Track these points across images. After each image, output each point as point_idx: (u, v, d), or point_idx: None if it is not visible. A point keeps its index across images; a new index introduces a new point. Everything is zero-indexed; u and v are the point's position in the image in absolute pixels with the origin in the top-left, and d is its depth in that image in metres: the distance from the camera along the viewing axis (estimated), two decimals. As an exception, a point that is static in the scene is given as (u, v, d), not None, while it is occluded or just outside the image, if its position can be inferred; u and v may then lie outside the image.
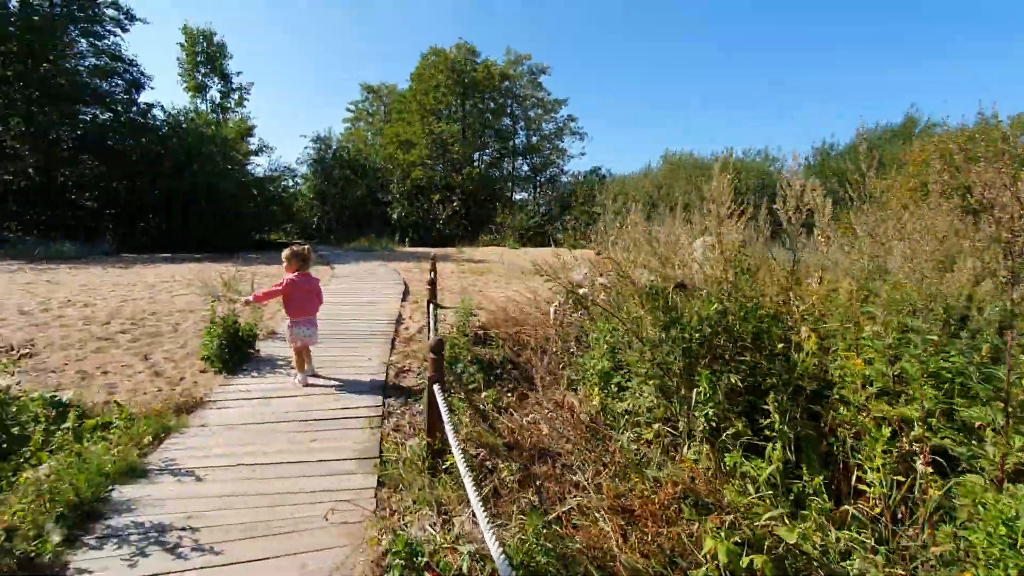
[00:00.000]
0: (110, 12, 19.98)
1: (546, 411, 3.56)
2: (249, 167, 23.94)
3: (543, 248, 24.12)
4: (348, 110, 42.92)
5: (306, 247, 4.98)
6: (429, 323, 5.39)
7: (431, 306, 5.46)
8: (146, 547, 2.40)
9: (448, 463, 3.10)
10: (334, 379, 4.89)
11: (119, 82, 20.78)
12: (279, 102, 75.47)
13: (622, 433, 3.35)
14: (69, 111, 18.57)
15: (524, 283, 11.14)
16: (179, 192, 19.10)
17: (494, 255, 18.90)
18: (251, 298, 4.75)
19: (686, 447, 3.02)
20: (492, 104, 31.92)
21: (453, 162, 28.63)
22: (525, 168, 34.96)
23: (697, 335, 3.11)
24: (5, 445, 2.62)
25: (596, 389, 3.64)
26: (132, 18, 20.42)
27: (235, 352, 5.04)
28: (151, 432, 3.54)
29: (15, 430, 2.50)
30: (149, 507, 2.69)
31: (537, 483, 3.03)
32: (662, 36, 75.55)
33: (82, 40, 19.43)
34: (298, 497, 2.86)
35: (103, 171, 19.45)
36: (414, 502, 2.84)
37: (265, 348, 5.57)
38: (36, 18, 17.09)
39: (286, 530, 2.57)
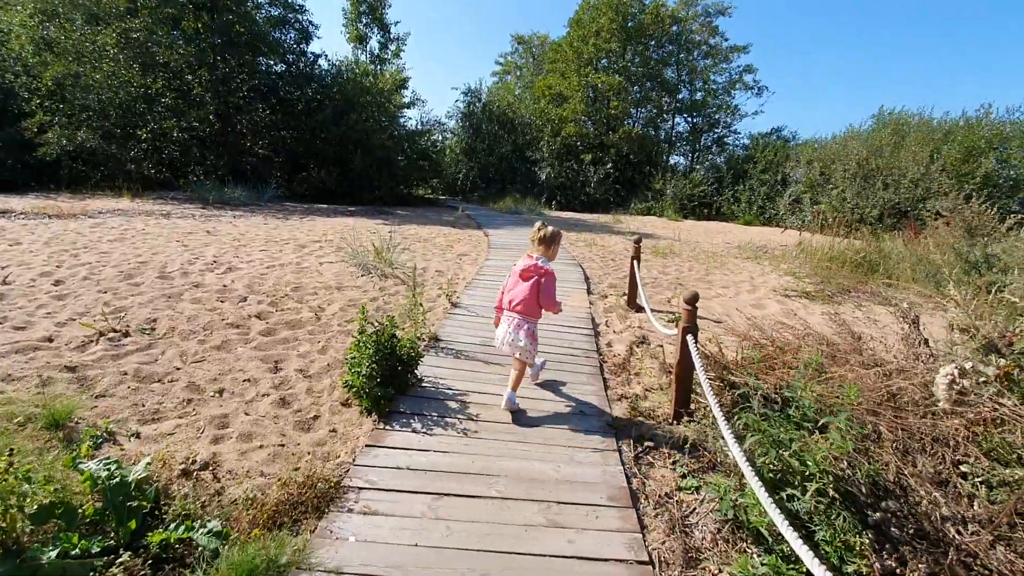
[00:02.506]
0: (284, -41, 19.99)
1: None
2: (401, 120, 23.46)
3: (710, 222, 20.59)
4: (497, 63, 41.47)
5: (538, 226, 3.46)
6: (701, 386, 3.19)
7: (687, 336, 3.26)
8: None
9: None
10: (532, 443, 2.97)
11: (291, 32, 21.07)
12: (430, 54, 76.85)
13: None
14: (247, 61, 19.12)
15: (726, 272, 8.46)
16: (335, 143, 18.97)
17: (661, 228, 16.09)
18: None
19: None
20: (656, 53, 27.92)
21: (609, 119, 25.64)
22: (682, 126, 30.62)
23: None
24: None
25: None
26: (303, -36, 20.26)
27: (390, 381, 3.33)
28: (248, 588, 1.88)
29: None
30: None
31: None
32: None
33: (259, -12, 19.72)
34: None
35: (273, 120, 20.02)
36: None
37: (430, 368, 3.83)
38: (219, -36, 17.36)
39: None
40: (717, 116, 29.37)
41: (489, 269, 7.40)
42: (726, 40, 27.43)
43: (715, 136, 29.38)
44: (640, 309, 6.01)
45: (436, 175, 25.01)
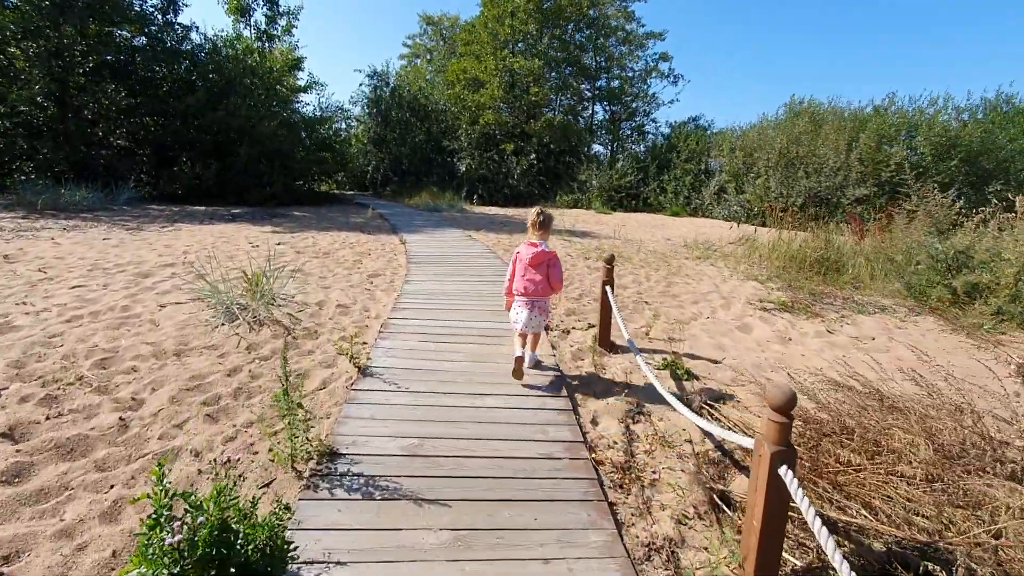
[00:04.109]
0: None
1: None
2: (297, 105, 20.58)
3: (639, 214, 19.94)
4: (405, 44, 38.79)
5: (536, 211, 3.76)
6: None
7: (782, 468, 1.83)
8: None
9: None
10: None
11: (153, -1, 17.46)
12: (329, 34, 71.31)
13: None
14: (93, 30, 15.44)
15: (688, 280, 7.33)
16: (213, 131, 15.98)
17: (594, 223, 14.98)
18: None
19: None
20: (572, 39, 26.91)
21: (529, 106, 24.25)
22: (600, 115, 30.05)
23: None
24: None
25: None
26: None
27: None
28: None
29: None
30: None
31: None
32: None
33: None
34: None
35: (131, 103, 16.47)
36: None
37: (314, 537, 2.09)
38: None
39: None
40: (635, 104, 29.05)
41: (411, 299, 5.61)
42: (642, 26, 27.04)
43: (634, 125, 29.05)
44: (615, 348, 4.59)
45: (341, 168, 22.40)
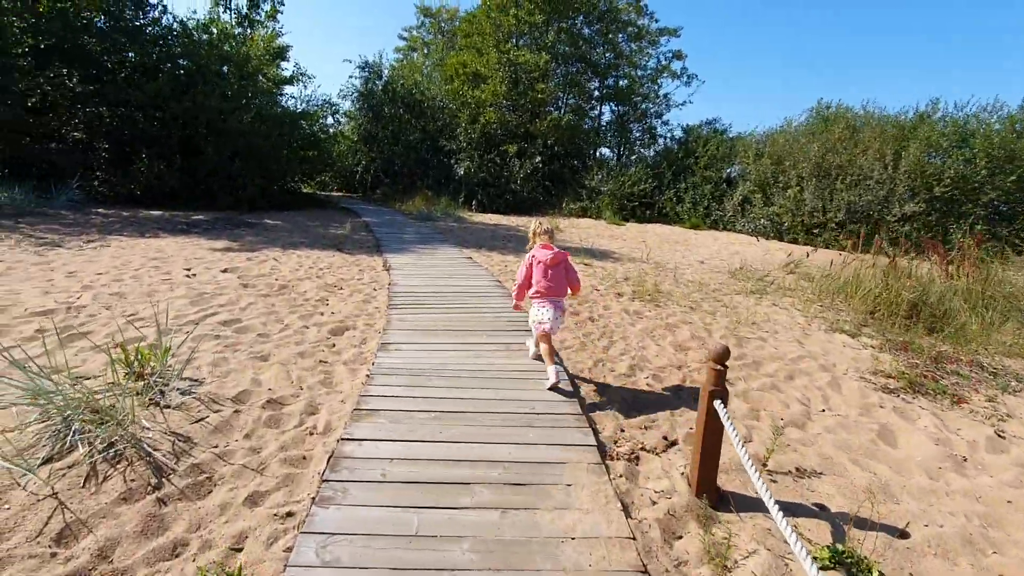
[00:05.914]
0: None
1: None
2: (280, 99, 18.61)
3: (655, 225, 18.10)
4: (401, 37, 36.83)
5: (540, 223, 4.18)
6: None
7: None
8: None
9: None
10: None
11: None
12: (319, 23, 69.02)
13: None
14: (42, 6, 13.42)
15: (761, 334, 5.50)
16: (181, 124, 14.01)
17: (608, 237, 13.13)
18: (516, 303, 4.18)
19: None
20: (583, 31, 25.01)
21: (534, 104, 22.34)
22: (607, 116, 28.18)
23: None
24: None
25: None
26: None
27: None
28: None
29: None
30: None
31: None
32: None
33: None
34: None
35: (87, 91, 14.45)
36: None
37: None
38: None
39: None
40: (644, 105, 27.19)
41: (385, 387, 3.67)
42: (655, 21, 25.20)
43: (644, 127, 27.20)
44: (723, 498, 2.74)
45: (327, 167, 20.41)
